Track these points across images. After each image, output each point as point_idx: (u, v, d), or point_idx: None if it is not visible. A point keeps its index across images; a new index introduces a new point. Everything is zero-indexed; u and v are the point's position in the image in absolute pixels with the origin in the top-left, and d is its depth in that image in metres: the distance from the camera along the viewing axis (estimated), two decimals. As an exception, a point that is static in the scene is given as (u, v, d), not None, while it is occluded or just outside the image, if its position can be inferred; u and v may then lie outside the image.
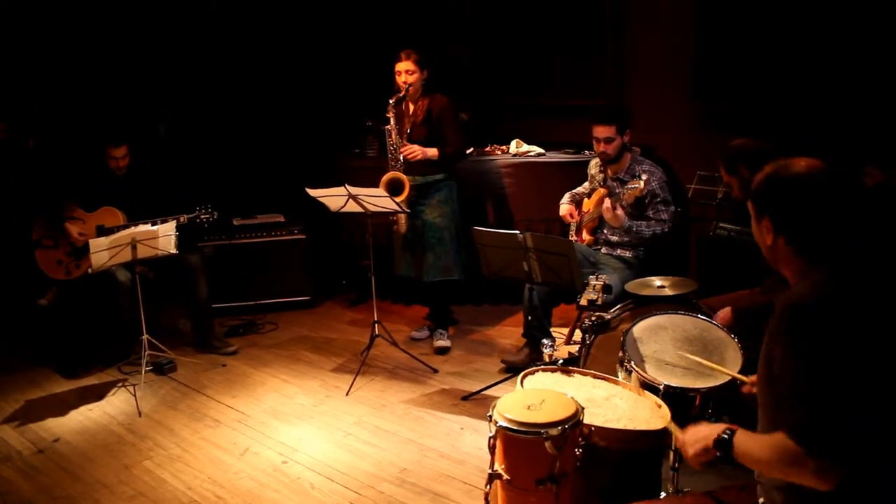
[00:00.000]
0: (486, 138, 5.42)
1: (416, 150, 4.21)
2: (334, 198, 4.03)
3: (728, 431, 1.83)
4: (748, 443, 1.77)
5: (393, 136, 4.22)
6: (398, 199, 4.11)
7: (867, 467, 1.64)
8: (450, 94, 4.35)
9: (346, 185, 3.93)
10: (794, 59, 4.23)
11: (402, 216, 4.30)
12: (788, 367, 1.65)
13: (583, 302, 3.26)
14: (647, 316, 3.03)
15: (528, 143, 5.24)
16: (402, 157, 4.23)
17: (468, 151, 5.14)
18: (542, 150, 5.19)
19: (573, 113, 5.22)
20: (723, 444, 1.81)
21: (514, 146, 5.24)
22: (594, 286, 3.31)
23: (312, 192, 4.02)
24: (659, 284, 3.36)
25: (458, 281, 4.43)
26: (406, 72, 4.18)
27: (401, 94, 4.23)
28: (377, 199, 3.99)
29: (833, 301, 1.67)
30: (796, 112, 4.19)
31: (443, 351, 4.46)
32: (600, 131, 4.00)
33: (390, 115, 4.24)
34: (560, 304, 4.75)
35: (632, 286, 3.38)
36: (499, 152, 5.24)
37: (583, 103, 5.12)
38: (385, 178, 4.22)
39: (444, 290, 4.56)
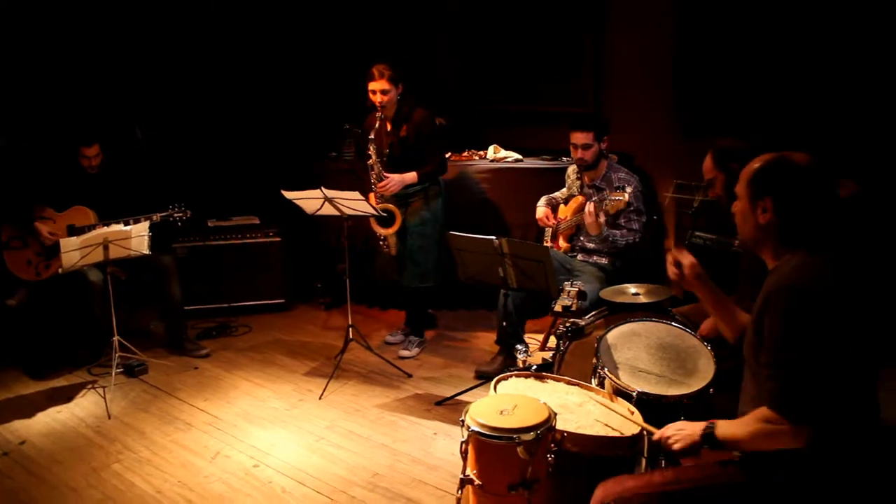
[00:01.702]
0: (464, 143, 5.44)
1: (391, 184, 4.17)
2: (310, 200, 4.02)
3: (710, 424, 2.06)
4: (731, 428, 2.02)
5: (375, 168, 4.18)
6: (387, 232, 4.17)
7: (832, 429, 1.91)
8: (428, 103, 4.34)
9: (323, 188, 3.92)
10: (775, 68, 4.27)
11: (392, 238, 4.28)
12: (779, 341, 1.89)
13: (557, 308, 3.26)
14: (621, 323, 3.03)
15: (506, 149, 5.24)
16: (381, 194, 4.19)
17: (447, 156, 5.11)
18: (519, 156, 5.19)
19: (551, 119, 5.25)
20: (709, 436, 2.04)
21: (492, 152, 5.25)
22: (569, 292, 3.32)
23: (288, 195, 3.99)
24: (634, 292, 3.38)
25: (435, 286, 4.44)
26: (381, 91, 4.12)
27: (377, 125, 4.18)
28: (353, 202, 3.97)
29: (828, 289, 1.90)
30: (777, 121, 4.24)
31: (405, 357, 4.46)
32: (578, 138, 4.02)
33: (371, 151, 4.19)
34: (534, 317, 4.75)
35: (607, 293, 3.40)
36: (476, 158, 5.25)
37: (561, 109, 5.15)
38: (371, 220, 4.24)
39: (421, 296, 4.56)
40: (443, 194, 4.41)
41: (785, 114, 4.20)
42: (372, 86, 4.16)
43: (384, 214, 4.20)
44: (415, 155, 4.25)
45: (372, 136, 4.19)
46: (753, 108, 4.34)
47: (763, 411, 1.94)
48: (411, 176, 4.22)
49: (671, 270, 2.38)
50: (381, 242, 4.35)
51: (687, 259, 2.37)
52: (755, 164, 2.07)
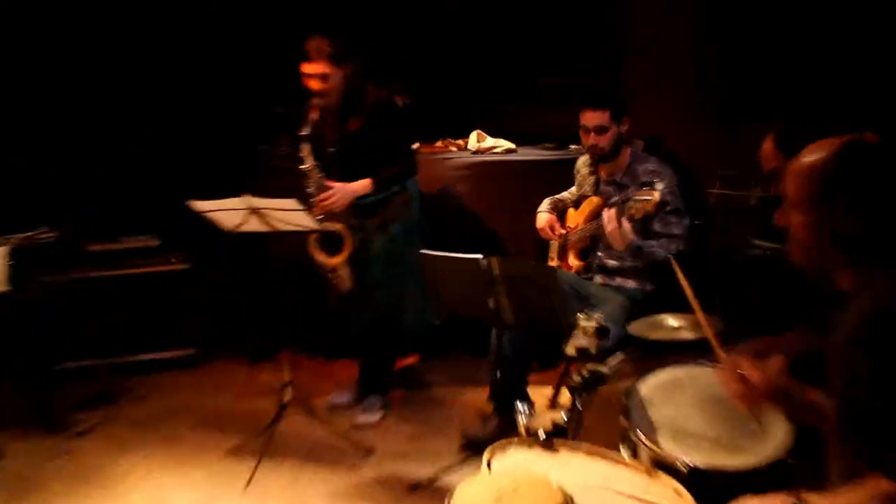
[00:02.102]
0: (436, 130, 5.49)
1: (335, 198, 4.23)
2: (229, 213, 4.05)
3: (799, 502, 2.01)
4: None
5: (313, 176, 4.25)
6: (334, 261, 4.25)
7: None
8: (386, 81, 4.41)
9: (247, 196, 3.94)
10: (839, 29, 4.37)
11: (344, 268, 4.34)
12: (888, 387, 1.84)
13: (570, 351, 3.10)
14: (659, 368, 3.08)
15: (493, 137, 5.28)
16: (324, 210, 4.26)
17: (414, 148, 5.10)
18: (511, 146, 5.24)
19: (554, 95, 5.28)
20: None
21: (475, 140, 5.28)
22: (585, 328, 3.16)
23: (199, 206, 4.04)
24: (673, 325, 3.39)
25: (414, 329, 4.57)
26: (318, 76, 4.19)
27: (312, 115, 4.21)
28: (290, 214, 4.00)
29: None
30: (840, 95, 4.32)
31: (363, 425, 4.54)
32: (590, 118, 4.05)
33: (305, 153, 4.23)
34: (540, 364, 4.79)
35: (637, 328, 3.42)
36: (453, 149, 5.30)
37: (567, 81, 5.20)
38: (310, 241, 4.32)
39: (386, 339, 4.62)
40: (416, 199, 4.53)
41: (854, 85, 4.30)
42: (306, 68, 4.22)
43: (334, 229, 4.25)
44: (370, 154, 4.32)
45: (305, 133, 4.22)
46: (814, 80, 4.44)
47: (881, 484, 1.89)
48: (363, 185, 4.30)
49: (733, 388, 2.32)
50: (329, 276, 4.40)
51: (758, 371, 2.29)
52: (819, 156, 2.05)
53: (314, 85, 4.22)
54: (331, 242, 4.31)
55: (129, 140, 5.74)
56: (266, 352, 5.40)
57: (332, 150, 4.33)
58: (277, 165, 5.11)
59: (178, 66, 5.78)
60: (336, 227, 4.29)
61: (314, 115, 4.24)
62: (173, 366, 5.23)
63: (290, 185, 4.30)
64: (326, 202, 4.24)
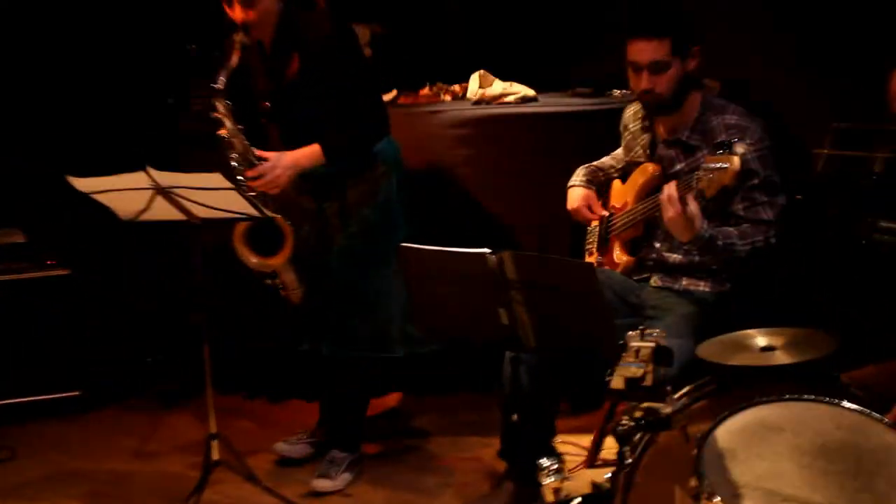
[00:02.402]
0: (422, 72, 5.48)
1: (269, 175, 4.26)
2: (126, 194, 4.08)
3: None
4: None
5: (237, 145, 4.28)
6: (272, 263, 4.34)
7: None
8: (341, 4, 4.46)
9: (150, 170, 3.96)
10: None
11: (290, 276, 4.43)
12: None
13: (617, 382, 3.14)
14: (742, 407, 3.10)
15: (504, 80, 5.26)
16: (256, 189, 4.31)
17: (389, 97, 5.21)
18: (530, 92, 5.23)
19: (586, 20, 5.30)
20: None
21: (476, 85, 5.27)
22: (638, 351, 3.21)
23: (83, 185, 4.08)
24: (764, 345, 3.40)
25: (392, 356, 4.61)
26: (241, 2, 4.24)
27: (232, 59, 4.24)
28: (214, 195, 4.01)
29: None
30: None
31: (322, 493, 4.56)
32: (642, 50, 4.02)
33: (221, 112, 4.25)
34: (574, 403, 4.83)
35: (710, 349, 3.42)
36: (447, 98, 5.30)
37: None
38: (237, 233, 4.39)
39: (356, 373, 4.66)
40: (396, 172, 4.58)
41: None
42: None
43: (270, 216, 4.25)
44: (318, 109, 4.38)
45: (219, 85, 4.23)
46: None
47: None
48: (309, 153, 4.34)
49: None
50: (268, 283, 4.45)
51: None
52: None
53: (236, 14, 4.25)
54: (266, 236, 4.35)
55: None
56: (183, 391, 5.41)
57: (265, 105, 4.39)
58: (193, 129, 5.11)
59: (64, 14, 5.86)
60: (272, 216, 4.31)
61: (234, 59, 4.26)
62: (52, 413, 5.23)
63: (212, 157, 4.34)
64: (258, 181, 4.27)
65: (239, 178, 4.25)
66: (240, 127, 4.26)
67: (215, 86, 4.23)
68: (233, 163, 4.27)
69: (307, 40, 4.33)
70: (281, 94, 4.38)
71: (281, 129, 4.44)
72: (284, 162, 4.29)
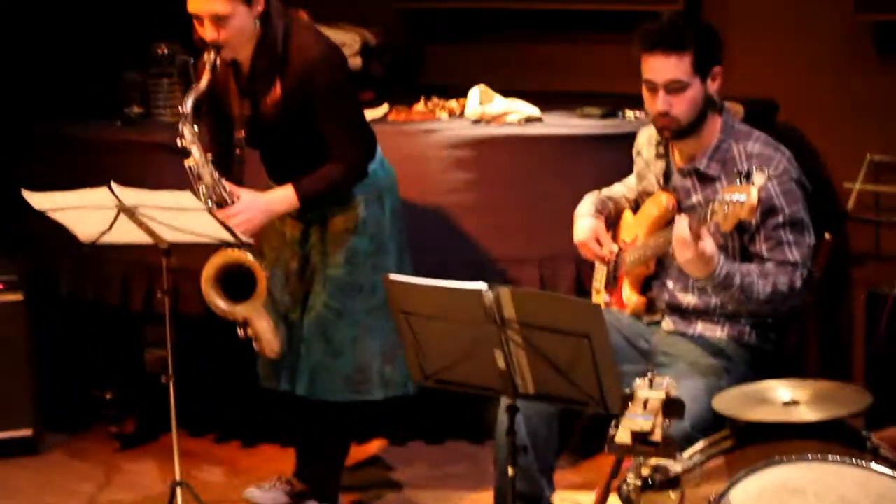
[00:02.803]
0: (417, 86, 5.57)
1: (244, 216, 4.23)
2: (87, 212, 4.10)
3: None
4: None
5: (205, 177, 4.27)
6: (241, 310, 4.27)
7: None
8: (333, 10, 4.62)
9: (114, 185, 3.98)
10: None
11: (264, 324, 4.38)
12: None
13: (622, 437, 3.15)
14: (761, 467, 3.10)
15: (506, 96, 5.22)
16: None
17: (381, 115, 5.26)
18: (534, 111, 5.19)
19: (597, 29, 5.39)
20: None
21: (476, 101, 5.24)
22: (646, 402, 3.22)
23: (38, 200, 4.12)
24: (785, 398, 3.40)
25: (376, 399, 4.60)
26: (211, 17, 4.18)
27: (202, 81, 4.27)
28: (182, 215, 4.03)
29: None
30: None
31: None
32: (659, 67, 3.95)
33: (187, 140, 4.22)
34: (576, 455, 4.88)
35: (728, 402, 3.43)
36: (443, 115, 5.25)
37: (621, 8, 5.34)
38: (213, 260, 4.30)
39: (337, 416, 4.63)
40: (389, 198, 4.59)
41: None
42: (194, 6, 4.21)
43: (247, 242, 4.20)
44: (296, 141, 4.38)
45: (186, 111, 4.22)
46: None
47: None
48: (283, 197, 4.33)
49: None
50: (239, 332, 4.41)
51: None
52: None
53: (207, 33, 4.18)
54: (238, 278, 4.28)
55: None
56: (143, 431, 5.41)
57: (239, 134, 4.35)
58: (159, 143, 5.08)
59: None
60: (243, 259, 4.27)
61: (204, 82, 4.24)
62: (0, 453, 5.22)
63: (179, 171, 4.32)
64: (239, 226, 4.21)
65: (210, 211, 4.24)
66: (209, 157, 4.21)
67: (182, 110, 4.20)
68: (201, 196, 4.22)
69: (290, 63, 4.28)
70: (258, 122, 4.33)
71: (261, 157, 4.44)
72: (256, 205, 4.26)
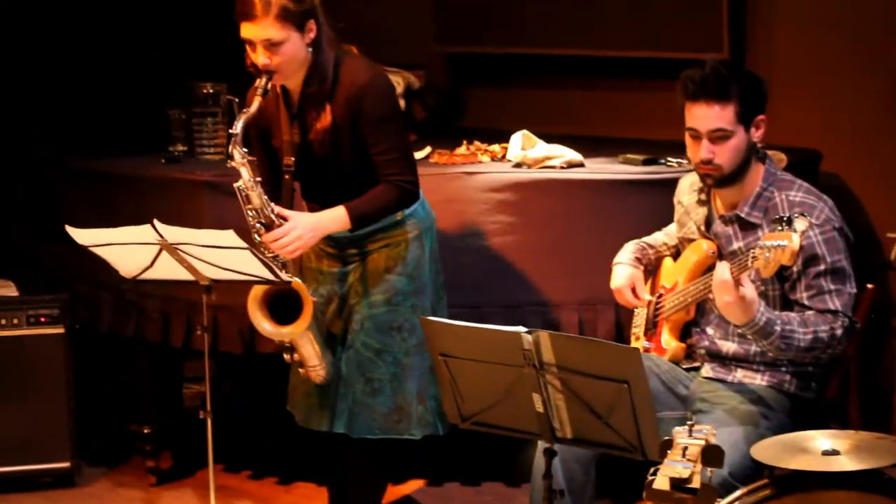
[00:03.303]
0: (459, 129, 5.56)
1: (290, 237, 4.21)
2: (129, 249, 4.10)
3: None
4: None
5: (254, 199, 4.23)
6: (289, 333, 4.24)
7: None
8: (376, 52, 4.51)
9: (156, 223, 3.98)
10: None
11: (310, 350, 4.35)
12: None
13: (660, 483, 3.13)
14: None
15: (548, 142, 5.21)
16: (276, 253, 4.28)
17: (423, 157, 5.23)
18: (576, 156, 5.17)
19: (640, 76, 5.49)
20: None
21: (518, 146, 5.22)
22: (685, 449, 3.18)
23: (81, 236, 4.10)
24: (826, 447, 3.37)
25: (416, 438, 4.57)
26: (265, 43, 4.19)
27: (252, 105, 4.24)
28: (226, 255, 4.02)
29: None
30: None
31: None
32: (703, 116, 3.96)
33: (237, 161, 4.21)
34: (614, 494, 4.83)
35: (767, 450, 3.41)
36: (485, 159, 5.25)
37: (660, 55, 5.30)
38: (254, 293, 4.31)
39: (377, 456, 4.60)
40: (429, 238, 4.57)
41: None
42: (245, 33, 4.21)
43: (287, 281, 4.18)
44: (345, 168, 4.37)
45: (236, 132, 4.21)
46: None
47: None
48: (333, 217, 4.30)
49: None
50: (286, 357, 4.40)
51: None
52: None
53: (259, 59, 4.19)
54: (284, 302, 4.26)
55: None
56: (180, 466, 5.41)
57: (288, 160, 4.34)
58: (203, 181, 5.11)
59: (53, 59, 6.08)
60: (291, 282, 4.26)
61: (254, 106, 4.21)
62: (35, 486, 5.22)
63: (221, 211, 4.45)
64: (277, 244, 4.19)
65: (255, 236, 4.23)
66: (258, 179, 4.21)
67: (232, 132, 4.20)
68: (249, 218, 4.23)
69: (339, 89, 4.29)
70: (307, 149, 4.33)
71: (304, 186, 4.42)
72: (305, 224, 4.23)
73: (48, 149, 5.91)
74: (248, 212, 4.21)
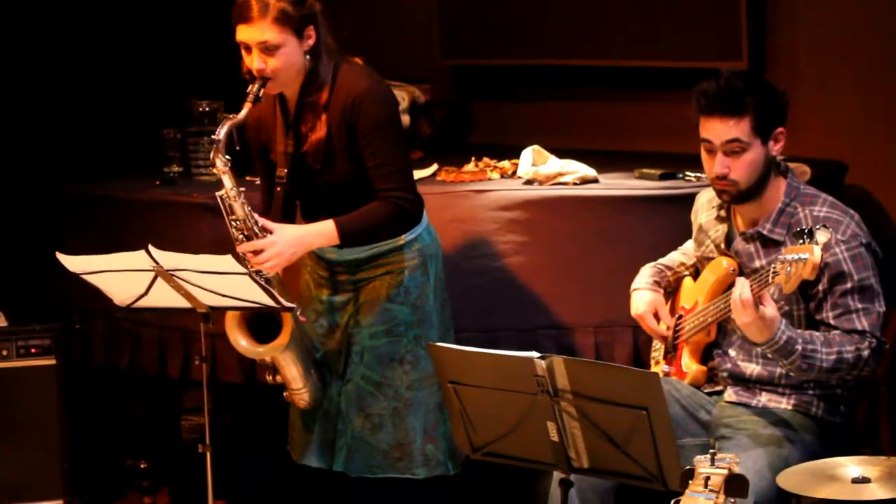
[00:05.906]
0: (467, 145, 5.54)
1: (272, 249, 4.18)
2: (123, 276, 4.11)
3: None
4: None
5: (237, 210, 4.22)
6: (265, 349, 4.23)
7: None
8: (380, 66, 4.51)
9: (152, 249, 3.96)
10: None
11: (293, 371, 4.33)
12: None
13: None
14: None
15: (560, 157, 5.22)
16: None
17: (429, 174, 5.27)
18: (589, 172, 5.18)
19: (656, 87, 5.42)
20: None
21: (529, 162, 5.22)
22: (708, 478, 3.16)
23: (72, 263, 4.11)
24: (855, 475, 3.38)
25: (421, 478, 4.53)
26: (261, 46, 4.20)
27: (241, 111, 4.22)
28: (224, 280, 4.02)
29: None
30: None
31: None
32: (719, 129, 3.96)
33: (219, 168, 4.20)
34: None
35: (793, 478, 3.42)
36: (495, 174, 5.26)
37: (676, 65, 5.24)
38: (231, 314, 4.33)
39: (375, 493, 4.57)
40: (435, 264, 4.55)
41: None
42: (241, 35, 4.22)
43: (289, 308, 4.16)
44: (340, 182, 4.37)
45: (218, 137, 4.20)
46: None
47: None
48: (320, 231, 4.29)
49: None
50: (268, 378, 4.39)
51: None
52: None
53: (255, 63, 4.18)
54: (266, 320, 4.25)
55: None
56: (178, 502, 5.48)
57: (282, 172, 4.36)
58: (199, 203, 5.15)
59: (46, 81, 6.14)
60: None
61: (243, 112, 4.20)
62: None
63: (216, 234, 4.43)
64: (258, 258, 4.16)
65: (238, 251, 4.23)
66: (242, 189, 4.20)
67: (215, 137, 4.19)
68: (232, 230, 4.23)
69: (335, 97, 4.30)
70: (301, 161, 4.33)
71: (302, 204, 4.44)
72: (288, 237, 4.22)
73: (42, 173, 5.96)
74: (232, 223, 4.19)
